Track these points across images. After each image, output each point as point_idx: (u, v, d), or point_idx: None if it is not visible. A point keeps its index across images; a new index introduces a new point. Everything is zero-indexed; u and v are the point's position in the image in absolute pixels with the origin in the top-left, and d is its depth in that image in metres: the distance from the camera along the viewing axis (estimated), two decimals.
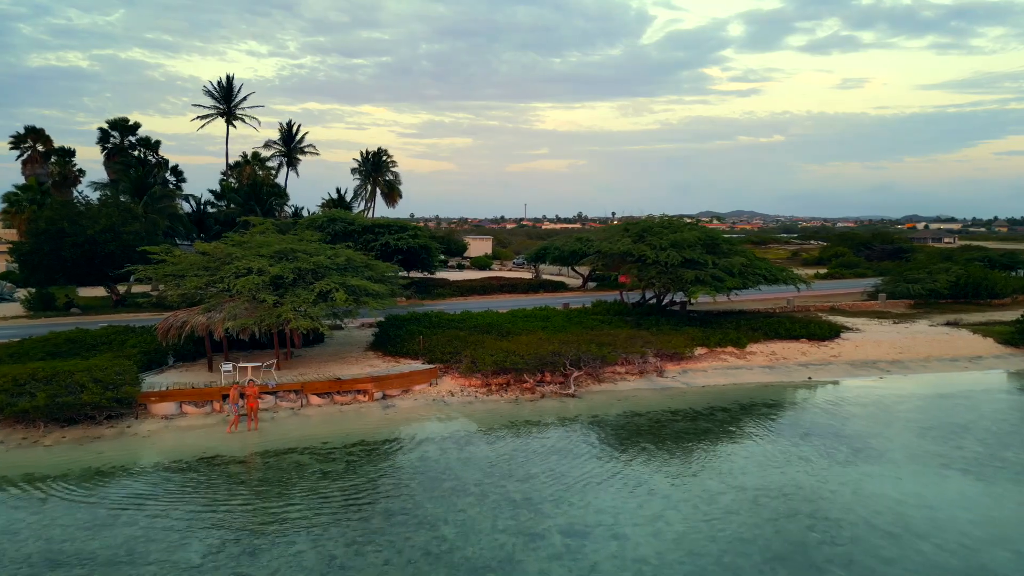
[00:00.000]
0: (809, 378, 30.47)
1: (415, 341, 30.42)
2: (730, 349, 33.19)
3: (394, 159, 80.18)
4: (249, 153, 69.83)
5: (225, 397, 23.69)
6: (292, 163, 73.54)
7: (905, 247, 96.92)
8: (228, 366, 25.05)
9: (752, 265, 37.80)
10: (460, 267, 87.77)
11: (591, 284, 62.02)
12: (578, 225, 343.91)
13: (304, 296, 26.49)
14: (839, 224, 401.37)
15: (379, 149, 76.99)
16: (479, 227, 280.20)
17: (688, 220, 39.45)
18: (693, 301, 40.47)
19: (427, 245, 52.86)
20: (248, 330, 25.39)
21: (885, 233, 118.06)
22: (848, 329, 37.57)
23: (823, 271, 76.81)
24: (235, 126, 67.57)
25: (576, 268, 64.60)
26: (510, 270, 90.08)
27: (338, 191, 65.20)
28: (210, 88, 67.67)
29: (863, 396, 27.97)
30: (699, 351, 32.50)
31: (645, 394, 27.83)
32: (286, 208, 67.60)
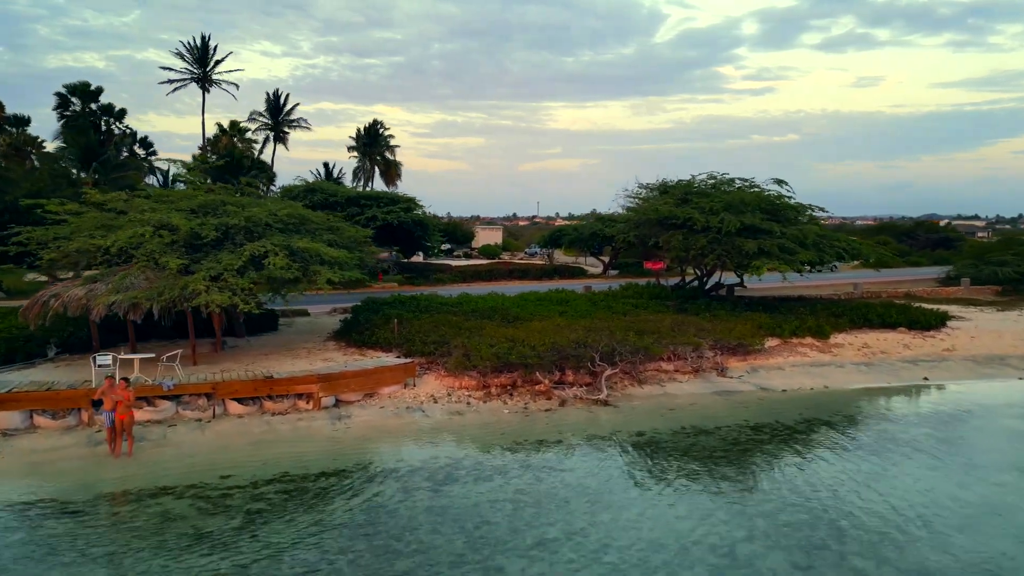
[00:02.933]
0: (925, 379, 22.38)
1: (389, 327, 22.65)
2: (809, 340, 25.14)
3: (392, 133, 72.42)
4: (226, 123, 62.37)
5: (98, 404, 15.99)
6: (280, 138, 65.94)
7: (952, 236, 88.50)
8: (105, 358, 17.31)
9: (828, 236, 29.72)
10: (467, 256, 79.99)
11: (613, 272, 53.99)
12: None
13: (227, 262, 18.80)
14: (858, 222, 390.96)
15: (375, 121, 69.23)
16: (491, 223, 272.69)
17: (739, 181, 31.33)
18: (749, 281, 32.41)
19: (423, 221, 45.06)
20: (141, 309, 17.71)
21: (929, 223, 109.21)
22: (951, 317, 29.34)
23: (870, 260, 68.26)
24: (209, 91, 59.80)
25: (598, 256, 56.58)
26: (521, 259, 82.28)
27: (326, 166, 56.98)
28: (182, 49, 60.21)
29: (1018, 407, 19.92)
30: (770, 343, 24.50)
31: (706, 400, 19.89)
32: (272, 188, 60.11)
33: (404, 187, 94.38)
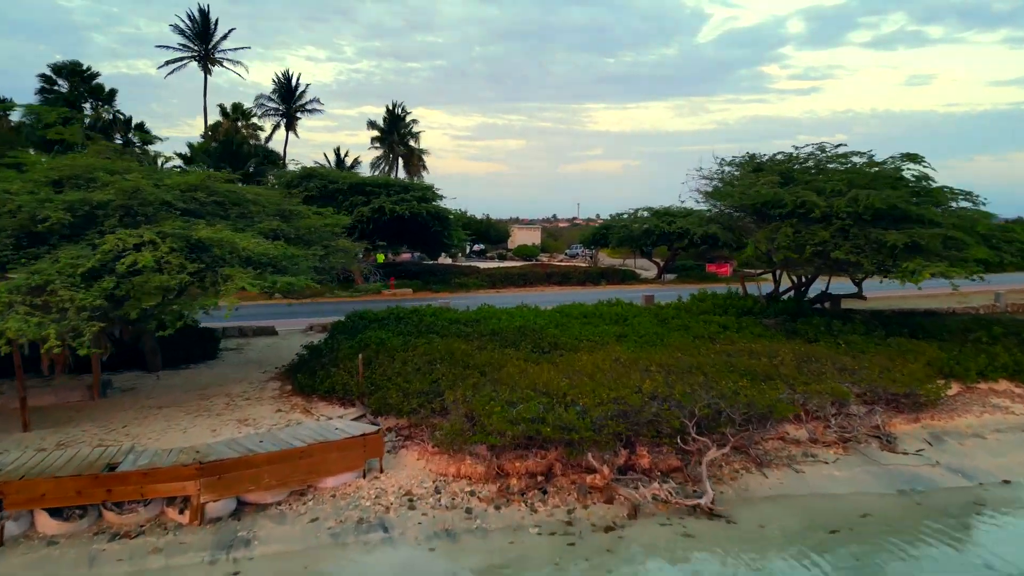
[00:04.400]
0: None
1: (355, 364, 14.73)
2: (1005, 385, 16.48)
3: (416, 118, 65.03)
4: (229, 105, 55.48)
5: None
6: (291, 124, 59.19)
7: None
8: None
9: (1006, 228, 20.96)
10: (501, 257, 72.24)
11: (669, 276, 45.54)
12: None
13: (67, 261, 11.20)
14: None
15: (394, 104, 61.79)
16: (530, 223, 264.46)
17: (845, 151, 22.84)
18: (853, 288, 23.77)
19: (441, 213, 37.30)
20: None
21: None
22: None
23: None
24: (211, 72, 53.20)
25: (650, 257, 48.11)
26: (561, 261, 74.02)
27: (337, 152, 49.55)
28: (181, 23, 53.70)
29: None
30: (948, 389, 15.91)
31: (882, 504, 11.53)
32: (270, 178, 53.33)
33: (439, 185, 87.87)
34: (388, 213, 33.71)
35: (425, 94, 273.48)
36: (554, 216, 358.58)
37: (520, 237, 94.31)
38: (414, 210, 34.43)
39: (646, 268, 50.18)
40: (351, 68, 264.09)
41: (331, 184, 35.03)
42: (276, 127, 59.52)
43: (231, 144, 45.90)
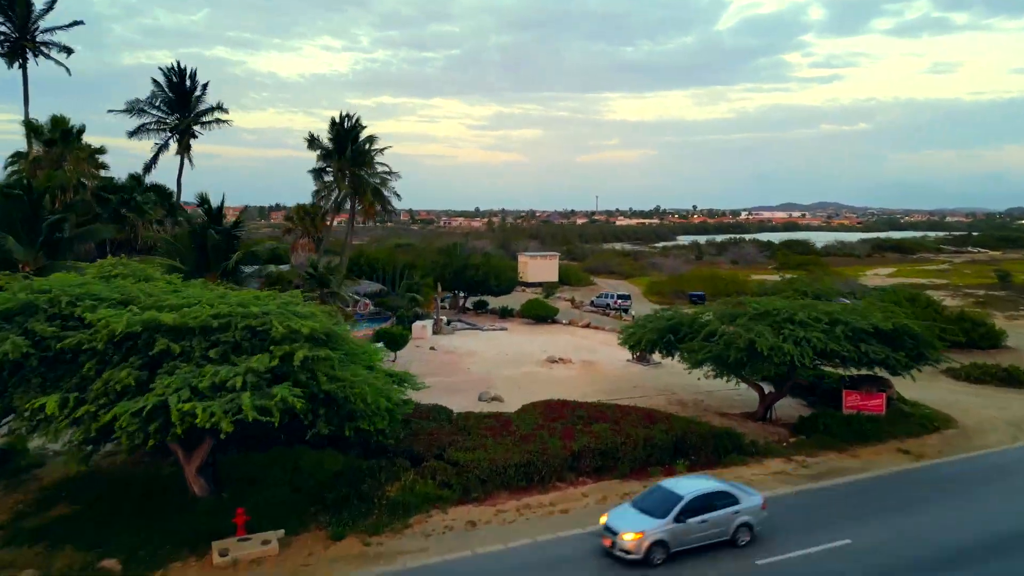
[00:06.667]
0: None
1: None
2: None
3: (382, 147, 44.72)
4: (47, 122, 35.45)
5: None
6: (184, 144, 39.42)
7: None
8: None
9: None
10: (503, 314, 52.34)
11: (777, 414, 25.61)
12: (655, 220, 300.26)
13: None
14: (948, 218, 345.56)
15: (345, 115, 41.42)
16: (547, 223, 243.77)
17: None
18: None
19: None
20: None
21: None
22: None
23: None
24: (36, 60, 33.91)
25: (747, 379, 27.84)
26: (587, 309, 53.93)
27: (202, 199, 28.28)
28: None
29: None
30: None
31: None
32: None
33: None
34: None
35: (440, 84, 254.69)
36: (571, 211, 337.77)
37: (533, 270, 74.13)
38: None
39: (735, 394, 29.68)
40: (367, 58, 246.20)
41: None
42: (162, 147, 39.74)
43: (24, 189, 26.26)
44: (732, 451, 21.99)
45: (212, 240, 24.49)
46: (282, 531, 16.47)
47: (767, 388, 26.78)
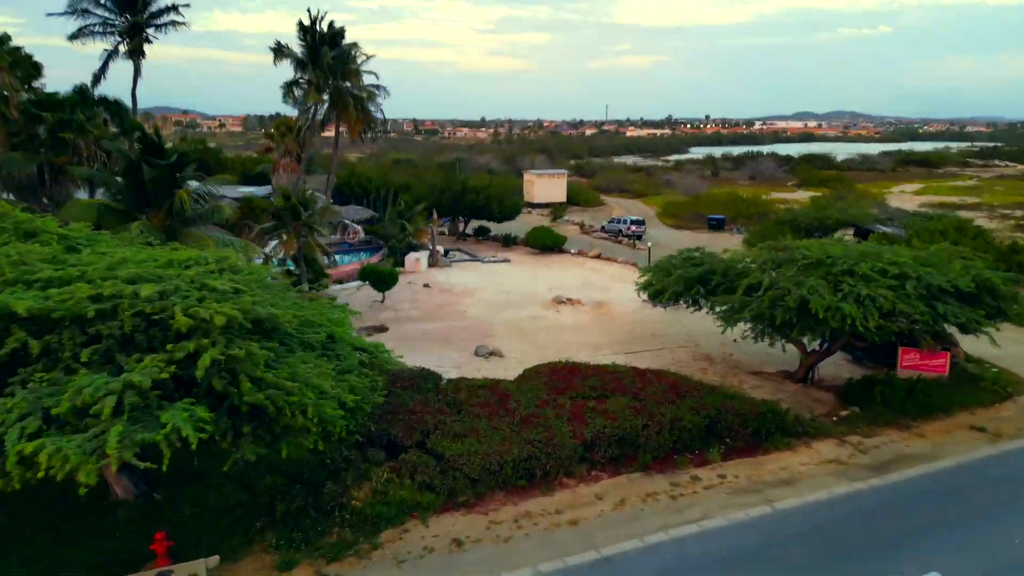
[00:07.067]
0: None
1: None
2: None
3: (366, 53, 39.18)
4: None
5: None
6: (137, 48, 34.19)
7: None
8: None
9: None
10: (507, 242, 48.13)
11: (820, 374, 21.93)
12: (667, 131, 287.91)
13: None
14: (968, 127, 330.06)
15: (316, 16, 36.11)
16: (555, 133, 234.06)
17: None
18: None
19: None
20: None
21: None
22: None
23: None
24: None
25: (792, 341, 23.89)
26: (596, 235, 49.43)
27: (133, 126, 23.00)
28: None
29: None
30: None
31: None
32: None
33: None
34: None
35: None
36: (580, 121, 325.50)
37: (540, 190, 69.16)
38: None
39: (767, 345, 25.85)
40: None
41: None
42: (111, 55, 34.46)
43: None
44: (775, 432, 18.29)
45: (149, 175, 20.08)
46: (216, 557, 13.03)
47: (811, 345, 22.87)
